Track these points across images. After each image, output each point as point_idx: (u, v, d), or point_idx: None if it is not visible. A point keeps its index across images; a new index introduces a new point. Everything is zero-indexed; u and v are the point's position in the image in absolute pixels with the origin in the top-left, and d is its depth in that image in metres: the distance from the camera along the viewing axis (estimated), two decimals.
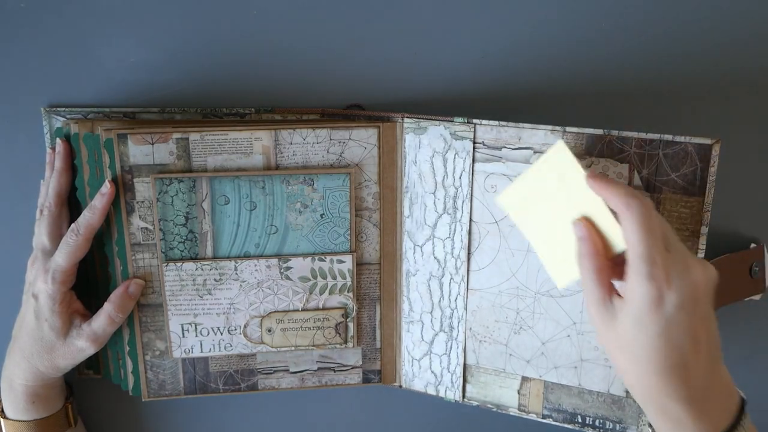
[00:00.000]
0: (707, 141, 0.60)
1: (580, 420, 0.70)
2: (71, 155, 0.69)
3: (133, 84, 0.72)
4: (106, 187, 0.67)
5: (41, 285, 0.67)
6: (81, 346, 0.69)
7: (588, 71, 0.68)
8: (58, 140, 0.69)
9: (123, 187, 0.68)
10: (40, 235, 0.69)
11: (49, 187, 0.69)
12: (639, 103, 0.67)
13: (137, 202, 0.69)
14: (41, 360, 0.69)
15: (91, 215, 0.67)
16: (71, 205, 0.70)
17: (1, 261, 0.75)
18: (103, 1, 0.70)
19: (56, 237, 0.68)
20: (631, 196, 0.54)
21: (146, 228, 0.70)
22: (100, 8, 0.70)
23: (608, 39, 0.68)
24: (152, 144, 0.68)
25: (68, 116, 0.71)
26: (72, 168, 0.69)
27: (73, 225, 0.67)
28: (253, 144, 0.69)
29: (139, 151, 0.68)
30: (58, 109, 0.72)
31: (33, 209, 0.72)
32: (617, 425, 0.69)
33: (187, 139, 0.68)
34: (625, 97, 0.68)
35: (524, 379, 0.71)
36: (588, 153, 0.63)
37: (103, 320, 0.69)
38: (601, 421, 0.69)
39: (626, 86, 0.68)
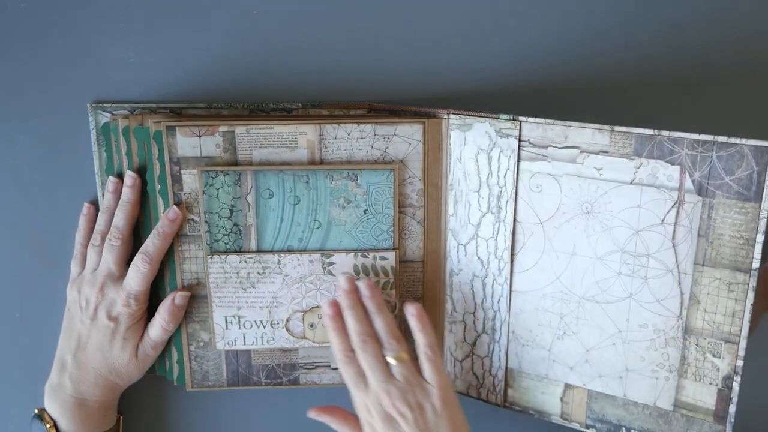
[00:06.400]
0: (765, 143, 0.56)
1: None
2: (142, 187, 0.71)
3: (181, 80, 0.73)
4: (175, 213, 0.70)
5: (123, 309, 0.70)
6: (149, 353, 0.72)
7: (637, 65, 0.66)
8: (129, 173, 0.70)
9: (171, 178, 0.69)
10: (108, 262, 0.71)
11: (119, 218, 0.71)
12: (691, 101, 0.64)
13: (184, 194, 0.70)
14: (119, 375, 0.72)
15: (160, 242, 0.70)
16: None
17: (46, 254, 0.77)
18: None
19: (125, 264, 0.71)
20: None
21: (192, 219, 0.71)
22: (153, 6, 0.72)
23: (658, 34, 0.65)
24: (199, 136, 0.69)
25: (114, 112, 0.73)
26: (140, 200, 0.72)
27: (142, 252, 0.70)
28: (297, 138, 0.69)
29: (186, 143, 0.69)
30: (104, 104, 0.73)
31: (75, 204, 0.75)
32: None
33: (234, 132, 0.68)
34: (675, 94, 0.64)
35: (567, 386, 0.69)
36: (636, 154, 0.60)
37: (158, 329, 0.72)
38: None
39: (676, 81, 0.64)
